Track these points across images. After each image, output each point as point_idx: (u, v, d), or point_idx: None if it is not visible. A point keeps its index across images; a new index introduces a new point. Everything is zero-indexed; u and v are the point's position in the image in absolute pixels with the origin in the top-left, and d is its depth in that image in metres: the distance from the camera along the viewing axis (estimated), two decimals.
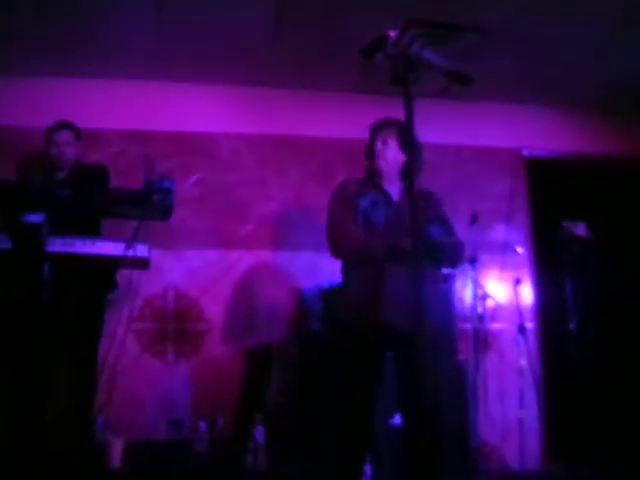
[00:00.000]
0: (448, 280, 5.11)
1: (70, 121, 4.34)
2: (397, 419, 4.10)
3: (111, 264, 3.74)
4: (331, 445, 3.40)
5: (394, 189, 3.60)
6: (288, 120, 5.64)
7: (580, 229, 5.39)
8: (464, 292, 5.51)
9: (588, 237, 5.34)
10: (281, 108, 5.67)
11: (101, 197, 3.54)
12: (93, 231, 3.96)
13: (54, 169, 4.26)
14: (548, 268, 5.97)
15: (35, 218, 3.30)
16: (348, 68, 4.91)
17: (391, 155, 3.58)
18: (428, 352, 3.21)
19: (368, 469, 4.15)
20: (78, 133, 4.33)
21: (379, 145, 3.59)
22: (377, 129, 3.64)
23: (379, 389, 3.40)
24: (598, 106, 6.01)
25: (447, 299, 5.03)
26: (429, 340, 3.21)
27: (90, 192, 3.73)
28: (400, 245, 3.27)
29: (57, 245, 3.40)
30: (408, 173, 3.60)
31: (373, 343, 3.37)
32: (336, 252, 3.55)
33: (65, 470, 3.34)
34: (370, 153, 3.63)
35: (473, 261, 5.34)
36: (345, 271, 3.60)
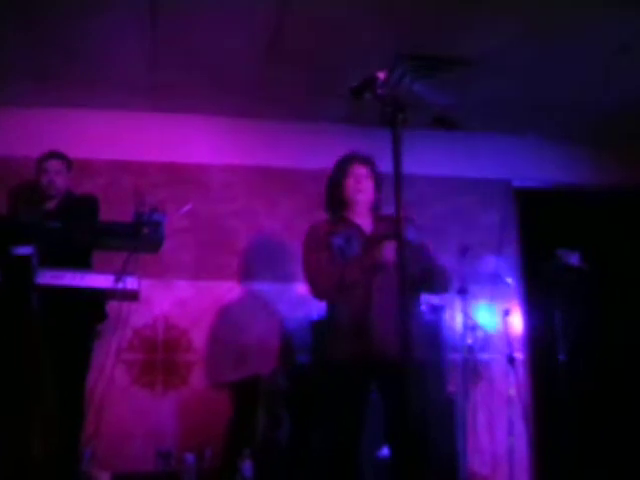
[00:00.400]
0: (437, 311, 5.12)
1: (61, 152, 4.37)
2: (384, 451, 4.08)
3: (100, 296, 3.74)
4: (318, 478, 3.38)
5: (365, 222, 3.57)
6: (279, 152, 5.66)
7: (574, 259, 5.40)
8: (454, 322, 5.51)
9: (581, 267, 5.36)
10: (272, 140, 5.70)
11: (90, 230, 3.53)
12: (83, 263, 3.96)
13: (44, 199, 4.27)
14: (538, 299, 5.98)
15: (24, 250, 3.30)
16: (339, 101, 4.94)
17: (370, 188, 3.57)
18: (415, 382, 3.24)
19: None
20: (69, 163, 4.36)
21: (357, 175, 3.55)
22: (353, 161, 3.59)
23: (365, 421, 3.37)
24: (587, 137, 6.06)
25: (434, 329, 5.04)
26: (417, 370, 3.24)
27: (79, 224, 3.73)
28: (377, 260, 3.29)
29: (46, 277, 3.39)
30: (377, 208, 3.65)
31: (361, 375, 3.35)
32: (318, 294, 3.52)
33: None
34: (341, 185, 3.57)
35: (463, 292, 5.35)
36: (331, 307, 3.56)
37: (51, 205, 4.28)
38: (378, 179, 3.61)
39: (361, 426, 3.36)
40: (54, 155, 4.34)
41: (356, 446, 3.35)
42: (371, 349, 3.30)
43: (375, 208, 3.64)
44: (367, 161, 3.61)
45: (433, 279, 3.51)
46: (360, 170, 3.57)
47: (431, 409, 3.45)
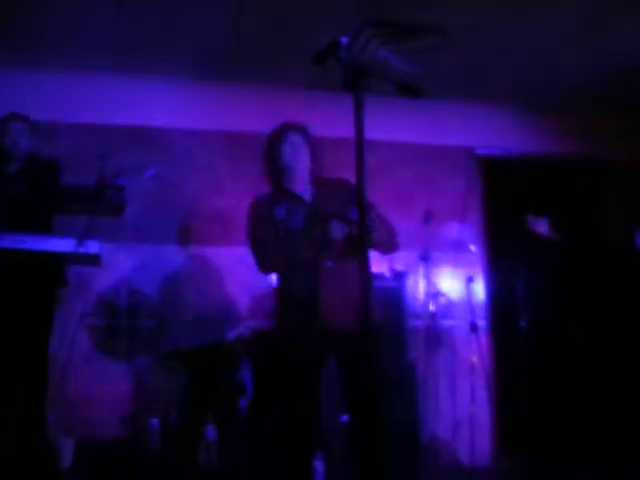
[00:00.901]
0: (400, 277, 5.15)
1: (24, 114, 4.31)
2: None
3: (61, 261, 3.71)
4: (279, 442, 3.42)
5: (305, 190, 3.58)
6: (242, 116, 5.62)
7: (542, 226, 5.45)
8: (417, 289, 5.55)
9: (549, 234, 5.40)
10: (235, 104, 5.66)
11: (52, 194, 3.50)
12: (44, 227, 3.93)
13: (6, 161, 4.21)
14: (501, 266, 6.05)
15: None
16: (303, 65, 4.91)
17: (306, 157, 3.58)
18: (370, 351, 3.27)
19: (320, 465, 4.18)
20: (32, 125, 4.29)
21: (293, 143, 3.56)
22: (287, 131, 3.60)
23: (320, 387, 3.40)
24: (550, 106, 6.11)
25: (397, 295, 5.08)
26: (372, 339, 3.27)
27: (41, 188, 3.69)
28: (324, 241, 3.32)
29: (6, 242, 3.36)
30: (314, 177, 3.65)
31: (315, 344, 3.37)
32: (265, 269, 3.53)
33: (16, 470, 3.30)
34: (277, 155, 3.57)
35: (426, 258, 5.39)
36: (281, 279, 3.57)
37: (13, 168, 4.23)
38: (313, 149, 3.63)
39: (317, 392, 3.39)
40: (17, 117, 4.28)
41: (314, 411, 3.39)
42: (321, 321, 3.33)
43: (313, 177, 3.63)
44: (301, 130, 3.62)
45: (388, 241, 3.53)
46: (295, 138, 3.58)
47: (387, 377, 3.49)
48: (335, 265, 3.38)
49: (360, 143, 2.27)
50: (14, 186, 3.67)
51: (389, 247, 3.56)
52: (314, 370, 3.39)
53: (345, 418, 4.18)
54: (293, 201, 3.53)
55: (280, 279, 3.58)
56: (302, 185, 3.59)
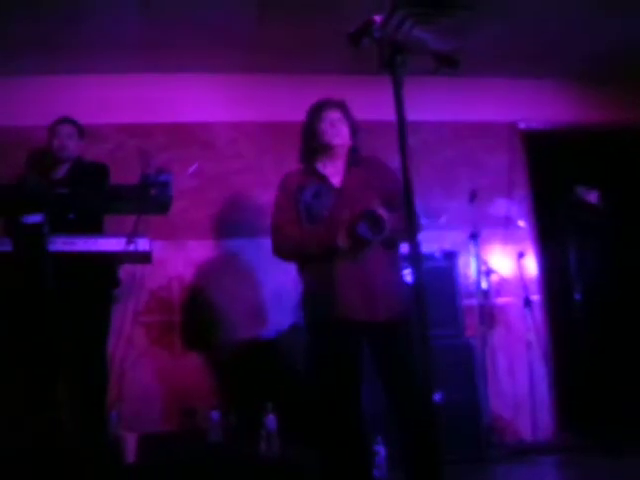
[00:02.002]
0: (451, 257, 5.11)
1: (72, 117, 4.40)
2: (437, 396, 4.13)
3: (113, 260, 3.75)
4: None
5: (336, 171, 3.53)
6: (282, 106, 5.58)
7: (592, 196, 5.37)
8: (468, 268, 5.51)
9: (599, 205, 5.33)
10: (275, 94, 5.64)
11: (97, 195, 3.53)
12: (95, 228, 3.99)
13: (55, 164, 4.30)
14: (551, 239, 5.97)
15: (34, 219, 3.30)
16: (340, 50, 4.90)
17: (345, 132, 3.53)
18: (405, 340, 3.25)
19: (382, 449, 4.18)
20: (81, 129, 4.42)
21: (332, 120, 3.51)
22: (325, 106, 3.55)
23: (359, 377, 3.39)
24: (592, 75, 5.98)
25: (448, 275, 5.04)
26: (405, 328, 3.25)
27: (87, 190, 3.73)
28: (333, 244, 3.28)
29: (58, 244, 3.40)
30: (354, 154, 3.60)
31: (341, 338, 3.35)
32: (277, 254, 3.54)
33: (81, 468, 3.36)
34: (315, 131, 3.53)
35: (475, 236, 5.35)
36: (299, 268, 3.57)
37: (61, 172, 4.31)
38: (353, 125, 3.57)
39: (352, 383, 3.38)
40: (66, 120, 4.40)
41: (351, 401, 3.37)
42: (341, 314, 3.31)
43: (352, 154, 3.58)
44: (340, 105, 3.57)
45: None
46: (334, 114, 3.52)
47: (439, 359, 3.46)
48: (352, 259, 3.33)
49: (401, 121, 2.25)
50: (61, 188, 3.71)
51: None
52: (345, 356, 3.37)
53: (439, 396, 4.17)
54: (323, 184, 3.49)
55: (300, 271, 3.56)
56: (336, 166, 3.55)
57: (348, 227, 3.24)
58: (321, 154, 3.55)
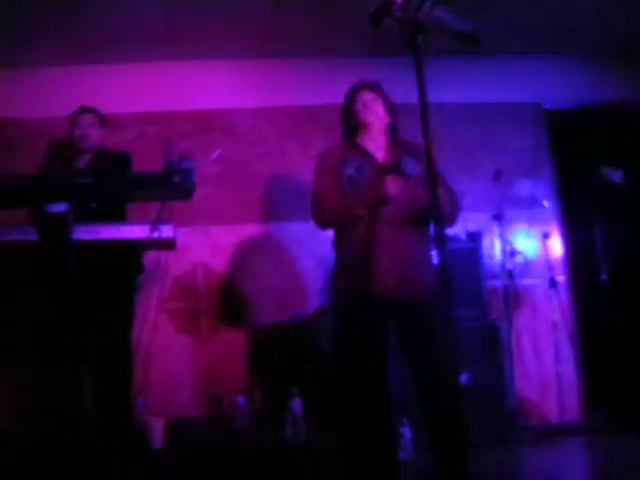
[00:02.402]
0: (475, 238, 5.09)
1: (94, 107, 4.41)
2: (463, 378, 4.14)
3: (137, 247, 3.76)
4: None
5: (378, 147, 3.56)
6: (304, 90, 5.60)
7: (617, 176, 5.32)
8: (492, 249, 5.48)
9: (623, 184, 5.28)
10: (296, 78, 5.63)
11: (120, 183, 3.53)
12: (118, 216, 3.99)
13: (77, 154, 4.30)
14: (576, 220, 5.92)
15: (59, 208, 3.31)
16: (360, 31, 4.87)
17: (380, 111, 3.57)
18: (431, 319, 3.23)
19: (407, 431, 4.18)
20: (102, 119, 4.42)
21: (365, 101, 3.56)
22: (360, 88, 3.62)
23: (385, 357, 3.39)
24: (616, 53, 5.89)
25: (473, 256, 5.02)
26: (432, 307, 3.23)
27: (109, 178, 3.74)
28: (380, 196, 3.29)
29: (83, 233, 3.41)
30: (393, 132, 3.63)
31: (370, 315, 3.35)
32: (318, 222, 3.55)
33: (108, 454, 3.38)
34: (351, 111, 3.60)
35: (499, 217, 5.33)
36: (336, 241, 3.57)
37: (84, 161, 4.31)
38: (389, 103, 3.62)
39: (380, 360, 3.38)
40: (87, 110, 4.40)
41: (378, 379, 3.37)
42: (375, 291, 3.31)
43: (390, 131, 3.63)
44: (374, 87, 3.63)
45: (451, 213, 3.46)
46: (367, 96, 3.58)
47: (465, 340, 3.44)
48: (393, 235, 3.35)
49: (424, 102, 2.23)
50: (84, 177, 3.72)
51: (451, 219, 3.49)
52: (371, 340, 3.37)
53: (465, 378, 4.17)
54: (364, 158, 3.51)
55: (335, 240, 3.57)
56: (376, 140, 3.58)
57: (393, 167, 3.30)
58: (361, 132, 3.60)
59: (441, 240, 2.29)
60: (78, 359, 3.49)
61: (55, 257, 3.30)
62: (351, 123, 3.61)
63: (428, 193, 2.89)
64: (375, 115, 3.56)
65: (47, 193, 3.24)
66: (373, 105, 3.56)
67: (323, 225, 3.58)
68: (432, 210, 2.39)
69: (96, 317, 3.69)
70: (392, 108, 3.63)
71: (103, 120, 4.43)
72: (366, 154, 3.53)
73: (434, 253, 3.56)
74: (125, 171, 4.16)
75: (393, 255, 3.33)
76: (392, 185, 3.29)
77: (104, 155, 4.34)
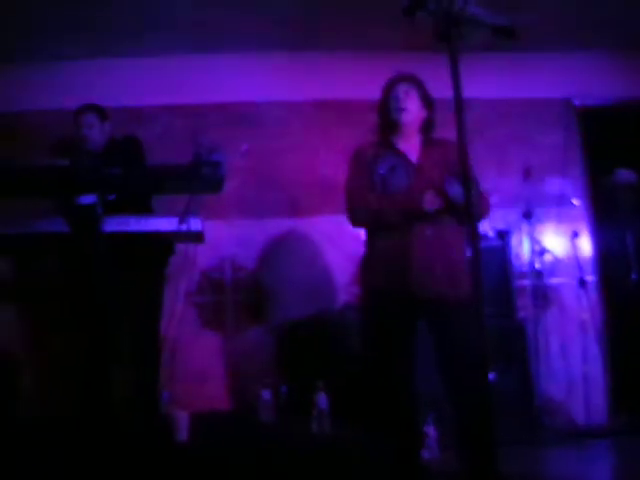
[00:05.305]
0: (504, 236, 5.06)
1: (95, 103, 4.39)
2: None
3: (167, 240, 3.78)
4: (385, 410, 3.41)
5: (412, 147, 3.52)
6: (332, 84, 5.56)
7: (631, 177, 5.28)
8: (521, 248, 5.44)
9: (636, 185, 5.24)
10: (324, 72, 5.59)
11: (149, 174, 3.55)
12: (145, 209, 4.00)
13: (84, 152, 4.31)
14: (606, 219, 5.85)
15: (88, 199, 3.33)
16: (391, 25, 4.85)
17: (414, 107, 3.51)
18: (466, 320, 3.20)
19: (432, 430, 4.16)
20: (103, 114, 4.36)
21: (401, 97, 3.49)
22: (395, 83, 3.55)
23: (413, 356, 3.38)
24: None
25: (502, 254, 4.99)
26: (467, 308, 3.19)
27: (128, 164, 3.76)
28: (418, 209, 3.28)
29: (112, 225, 3.42)
30: (428, 128, 3.59)
31: (401, 312, 3.34)
32: (353, 222, 3.53)
33: (133, 446, 3.39)
34: (386, 108, 3.54)
35: (528, 216, 5.30)
36: (370, 239, 3.54)
37: (94, 156, 4.31)
38: (426, 97, 3.55)
39: (408, 361, 3.38)
40: (87, 108, 4.35)
41: (406, 379, 3.38)
42: (410, 287, 3.30)
43: (425, 128, 3.58)
44: (410, 80, 3.56)
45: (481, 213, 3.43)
46: (402, 89, 3.51)
47: (493, 341, 3.42)
48: (430, 232, 3.33)
49: (458, 94, 2.22)
50: (113, 169, 3.72)
51: (481, 218, 3.46)
52: (401, 339, 3.37)
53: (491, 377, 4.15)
54: (398, 158, 3.48)
55: (369, 240, 3.54)
56: (410, 141, 3.54)
57: (437, 187, 3.26)
58: (394, 130, 3.55)
59: (474, 238, 2.27)
60: (108, 349, 3.52)
61: (86, 248, 3.32)
62: (385, 120, 3.56)
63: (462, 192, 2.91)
64: (407, 113, 3.49)
65: (77, 184, 3.26)
66: (407, 100, 3.49)
67: (357, 224, 3.57)
68: (465, 209, 2.36)
69: (125, 308, 3.70)
70: (429, 101, 3.56)
71: (105, 115, 4.37)
72: (400, 154, 3.50)
73: (467, 251, 3.55)
74: (139, 155, 4.15)
75: (427, 254, 3.31)
76: (431, 201, 3.28)
77: (114, 145, 4.32)
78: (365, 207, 3.43)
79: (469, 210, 2.29)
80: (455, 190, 3.20)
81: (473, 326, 2.33)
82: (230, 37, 5.37)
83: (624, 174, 5.26)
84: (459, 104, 2.22)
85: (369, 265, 3.51)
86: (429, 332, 3.38)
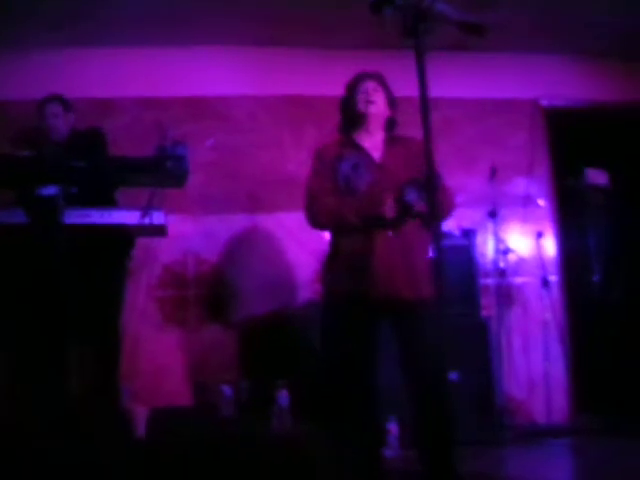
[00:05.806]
0: (469, 235, 5.07)
1: (59, 93, 4.38)
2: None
3: (128, 233, 3.73)
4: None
5: (375, 144, 3.51)
6: (301, 80, 5.54)
7: (601, 177, 5.33)
8: (485, 247, 5.47)
9: (608, 185, 5.29)
10: (294, 68, 5.56)
11: (112, 166, 3.50)
12: (108, 201, 3.96)
13: (48, 142, 4.26)
14: (570, 220, 5.91)
15: (50, 191, 3.28)
16: (360, 24, 4.85)
17: (381, 103, 3.51)
18: (430, 320, 3.19)
19: (394, 428, 4.17)
20: (67, 105, 4.36)
21: (367, 90, 3.49)
22: (362, 78, 3.55)
23: (374, 355, 3.37)
24: (615, 53, 5.86)
25: (466, 253, 5.00)
26: (431, 308, 3.20)
27: (90, 156, 3.72)
28: (377, 213, 3.27)
29: (74, 217, 3.38)
30: (392, 126, 3.59)
31: (362, 312, 3.33)
32: (312, 224, 3.50)
33: (91, 441, 3.35)
34: (352, 102, 3.52)
35: (494, 215, 5.31)
36: (334, 239, 3.52)
37: (58, 147, 4.27)
38: (390, 95, 3.56)
39: (370, 361, 3.36)
40: (51, 99, 4.34)
41: (367, 379, 3.37)
42: (372, 289, 3.28)
43: (389, 125, 3.57)
44: (376, 77, 3.56)
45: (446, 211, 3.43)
46: (369, 85, 3.51)
47: (456, 340, 3.42)
48: (392, 234, 3.32)
49: (424, 91, 2.21)
50: (77, 161, 3.67)
51: (445, 217, 3.46)
52: (362, 340, 3.35)
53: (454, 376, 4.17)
54: (361, 157, 3.46)
55: (333, 240, 3.52)
56: (374, 138, 3.52)
57: (396, 194, 3.23)
58: (358, 126, 3.53)
59: (437, 238, 2.27)
60: (66, 343, 3.47)
61: (46, 240, 3.27)
62: (350, 114, 3.54)
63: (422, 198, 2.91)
64: (376, 106, 3.49)
65: (39, 175, 3.21)
66: (374, 95, 3.49)
67: (317, 226, 3.54)
68: (429, 210, 2.36)
69: (85, 301, 3.66)
70: (393, 101, 3.56)
71: (68, 106, 4.37)
72: (363, 151, 3.48)
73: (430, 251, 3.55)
74: (102, 147, 4.12)
75: (389, 255, 3.29)
76: (391, 208, 3.26)
77: (77, 137, 4.28)
78: (325, 210, 3.40)
79: (432, 212, 2.28)
80: (414, 197, 3.19)
81: (435, 326, 2.33)
82: (200, 31, 5.32)
83: (594, 174, 5.31)
84: (425, 103, 2.21)
85: (332, 265, 3.49)
86: (392, 332, 3.37)
